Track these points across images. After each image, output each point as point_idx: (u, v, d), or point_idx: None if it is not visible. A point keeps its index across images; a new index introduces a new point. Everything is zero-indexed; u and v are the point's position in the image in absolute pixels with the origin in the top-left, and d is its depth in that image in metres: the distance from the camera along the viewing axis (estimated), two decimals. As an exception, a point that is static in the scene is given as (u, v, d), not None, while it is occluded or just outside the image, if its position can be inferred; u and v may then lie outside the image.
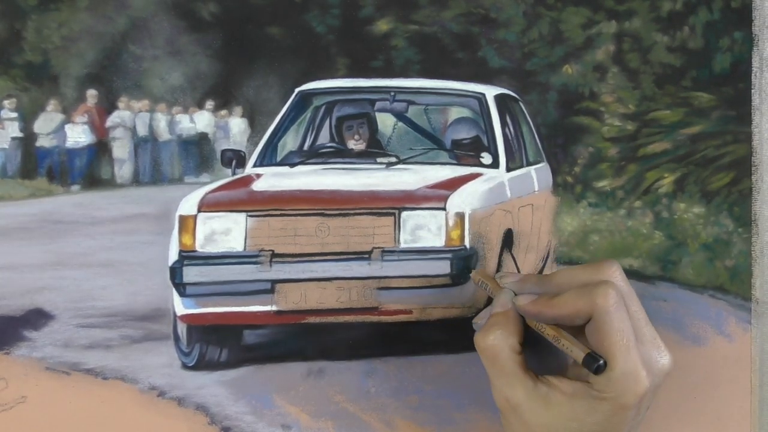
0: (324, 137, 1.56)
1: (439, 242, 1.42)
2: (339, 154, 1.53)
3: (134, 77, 1.44)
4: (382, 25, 1.48)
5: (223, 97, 1.47)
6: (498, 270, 1.47)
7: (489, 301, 1.37)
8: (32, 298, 1.42)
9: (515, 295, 1.04)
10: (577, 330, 0.99)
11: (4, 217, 1.45)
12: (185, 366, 1.43)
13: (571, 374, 1.00)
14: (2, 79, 1.45)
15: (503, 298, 1.04)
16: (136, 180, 1.48)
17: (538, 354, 1.04)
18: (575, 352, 0.97)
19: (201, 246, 1.41)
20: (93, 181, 1.48)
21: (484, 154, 1.53)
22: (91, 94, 1.45)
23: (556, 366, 1.04)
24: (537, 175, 1.57)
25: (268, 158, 1.52)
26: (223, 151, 1.49)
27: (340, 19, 1.47)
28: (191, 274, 1.40)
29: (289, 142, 1.55)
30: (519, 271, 1.51)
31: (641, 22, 1.47)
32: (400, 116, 1.54)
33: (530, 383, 0.97)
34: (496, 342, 0.99)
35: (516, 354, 0.99)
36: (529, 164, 1.58)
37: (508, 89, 1.52)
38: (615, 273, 1.00)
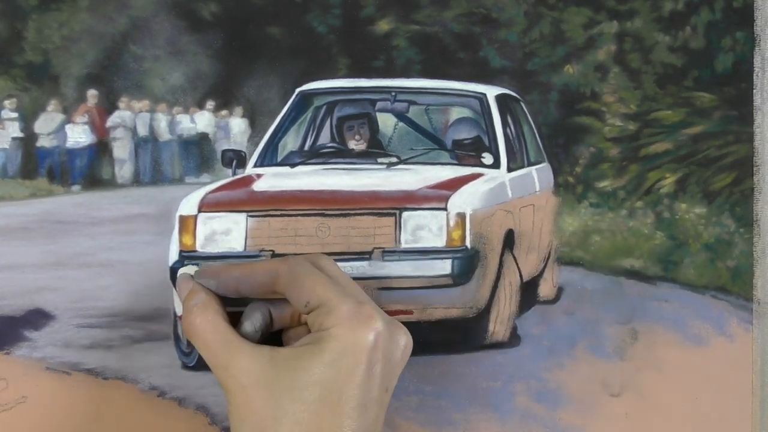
0: (325, 137, 1.57)
1: (440, 243, 1.43)
2: (340, 154, 1.54)
3: (135, 77, 1.44)
4: (383, 25, 1.48)
5: (224, 97, 1.48)
6: (500, 270, 1.49)
7: (489, 302, 1.37)
8: (32, 298, 1.43)
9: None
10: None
11: (4, 217, 1.45)
12: (186, 366, 1.44)
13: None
14: (3, 79, 1.46)
15: (181, 282, 0.98)
16: (137, 180, 1.48)
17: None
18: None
19: (201, 246, 1.42)
20: (93, 181, 1.48)
21: (485, 155, 1.54)
22: (92, 94, 1.45)
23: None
24: (538, 176, 1.57)
25: (268, 158, 1.53)
26: (224, 152, 1.50)
27: (341, 19, 1.47)
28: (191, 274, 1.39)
29: (290, 142, 1.55)
30: (520, 272, 1.52)
31: (643, 22, 1.48)
32: (401, 116, 1.55)
33: (251, 348, 0.88)
34: (198, 317, 0.91)
35: (225, 322, 0.91)
36: (530, 164, 1.59)
37: (510, 89, 1.52)
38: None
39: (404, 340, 0.90)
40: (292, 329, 0.93)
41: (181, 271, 0.99)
